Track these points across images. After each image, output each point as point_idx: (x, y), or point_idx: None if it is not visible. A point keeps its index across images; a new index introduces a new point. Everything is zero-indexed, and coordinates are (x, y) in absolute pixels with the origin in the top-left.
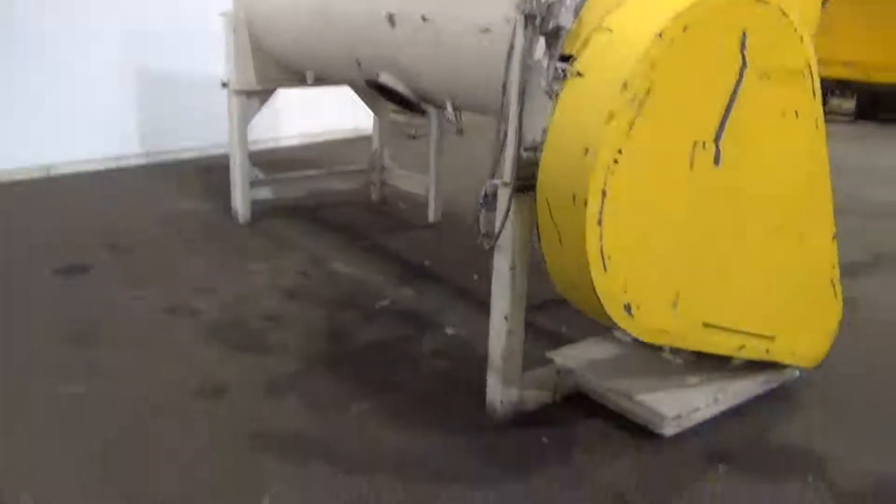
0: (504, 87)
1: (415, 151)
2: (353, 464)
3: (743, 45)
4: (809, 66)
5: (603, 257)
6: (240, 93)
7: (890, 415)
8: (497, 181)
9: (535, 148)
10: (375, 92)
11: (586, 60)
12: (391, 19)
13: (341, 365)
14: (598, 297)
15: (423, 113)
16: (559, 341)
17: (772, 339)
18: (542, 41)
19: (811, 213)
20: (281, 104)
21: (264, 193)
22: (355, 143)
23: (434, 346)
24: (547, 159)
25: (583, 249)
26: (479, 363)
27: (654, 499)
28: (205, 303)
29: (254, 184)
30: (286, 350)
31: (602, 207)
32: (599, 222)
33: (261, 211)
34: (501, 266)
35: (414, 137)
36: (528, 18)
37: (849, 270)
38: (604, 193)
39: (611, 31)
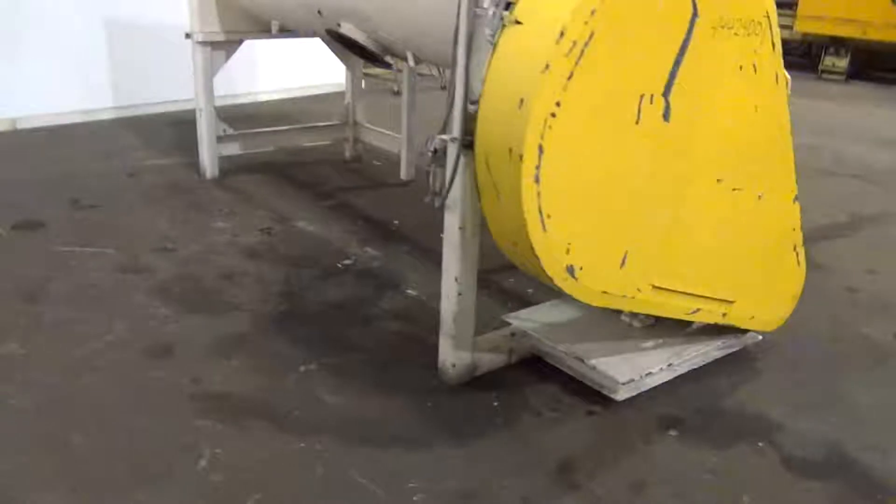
0: (455, 37)
1: (398, 107)
2: (293, 425)
3: None
4: (768, 17)
5: (542, 216)
6: (204, 44)
7: (851, 381)
8: (446, 136)
9: None
10: (338, 43)
11: (524, 7)
12: None
13: (293, 325)
14: (538, 259)
15: (387, 66)
16: (526, 303)
17: (729, 303)
18: None
19: (770, 173)
20: (262, 57)
21: (232, 149)
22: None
23: (392, 306)
24: (484, 111)
25: (520, 207)
26: (436, 325)
27: (600, 465)
28: (162, 260)
29: (221, 139)
30: (239, 309)
31: (539, 163)
32: (537, 179)
33: (230, 167)
34: (451, 226)
35: (398, 93)
36: None
37: (825, 233)
38: (541, 148)
39: None
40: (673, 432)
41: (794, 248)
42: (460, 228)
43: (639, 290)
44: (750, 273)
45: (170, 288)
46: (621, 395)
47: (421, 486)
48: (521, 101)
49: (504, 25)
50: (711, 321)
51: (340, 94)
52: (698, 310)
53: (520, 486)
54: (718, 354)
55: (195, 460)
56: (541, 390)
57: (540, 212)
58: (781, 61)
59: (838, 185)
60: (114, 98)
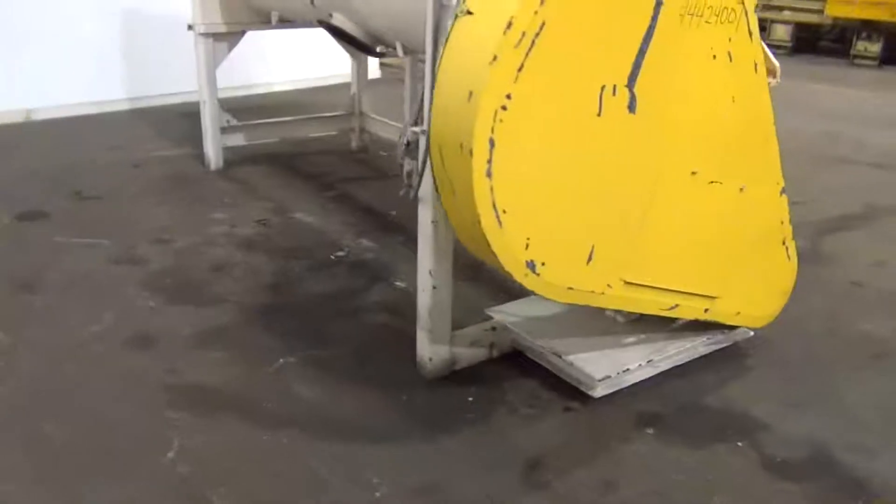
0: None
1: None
2: (266, 418)
3: None
4: (743, 4)
5: (496, 212)
6: (206, 35)
7: (844, 379)
8: (417, 129)
9: None
10: (331, 34)
11: None
12: None
13: (279, 317)
14: (495, 255)
15: (380, 56)
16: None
17: (712, 298)
18: None
19: (752, 165)
20: (277, 48)
21: (237, 140)
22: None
23: (381, 299)
24: (437, 104)
25: (473, 203)
26: None
27: (571, 463)
28: (156, 251)
29: (225, 130)
30: (226, 301)
31: (490, 157)
32: (489, 174)
33: (235, 157)
34: (424, 219)
35: None
36: None
37: (835, 224)
38: (491, 142)
39: None
40: (650, 430)
41: (784, 243)
42: (433, 222)
43: (609, 286)
44: (734, 268)
45: (160, 279)
46: (599, 391)
47: (385, 480)
48: (471, 93)
49: (457, 16)
50: (692, 317)
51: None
52: (677, 306)
53: (485, 483)
54: (706, 351)
55: (163, 452)
56: (519, 386)
57: (494, 207)
58: (761, 50)
59: (856, 173)
60: (127, 89)
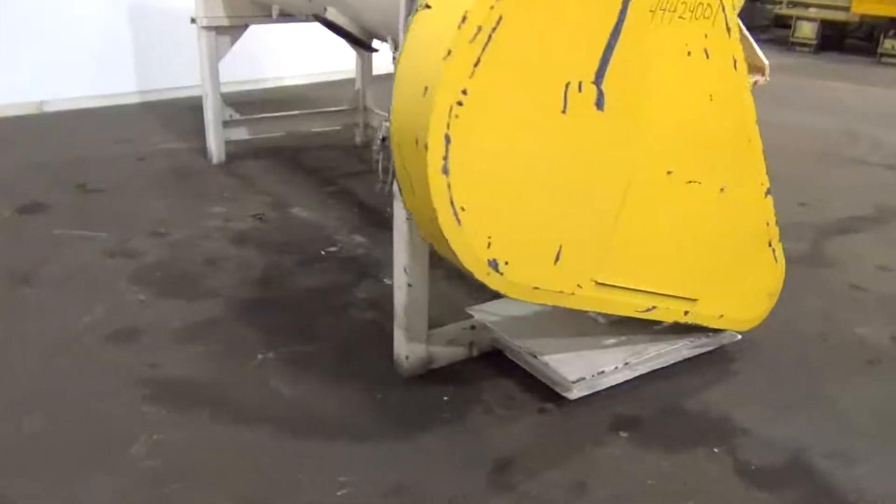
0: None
1: None
2: (239, 413)
3: None
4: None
5: (455, 209)
6: (209, 29)
7: (832, 384)
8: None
9: None
10: (327, 28)
11: None
12: None
13: (265, 312)
14: (455, 253)
15: (373, 50)
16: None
17: (692, 301)
18: None
19: (733, 165)
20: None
21: (239, 134)
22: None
23: (368, 295)
24: (396, 98)
25: (429, 200)
26: None
27: (541, 465)
28: (151, 245)
29: (227, 124)
30: (214, 296)
31: (447, 154)
32: (445, 170)
33: (238, 151)
34: (398, 215)
35: None
36: None
37: (842, 226)
38: (447, 138)
39: None
40: (625, 433)
41: (770, 244)
42: (407, 219)
43: (579, 286)
44: (715, 270)
45: (152, 272)
46: (574, 393)
47: (350, 479)
48: (426, 88)
49: (417, 9)
50: (672, 320)
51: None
52: (654, 308)
53: (452, 484)
54: (690, 354)
55: (132, 445)
56: (496, 386)
57: (452, 204)
58: (740, 47)
59: (869, 174)
60: (138, 83)
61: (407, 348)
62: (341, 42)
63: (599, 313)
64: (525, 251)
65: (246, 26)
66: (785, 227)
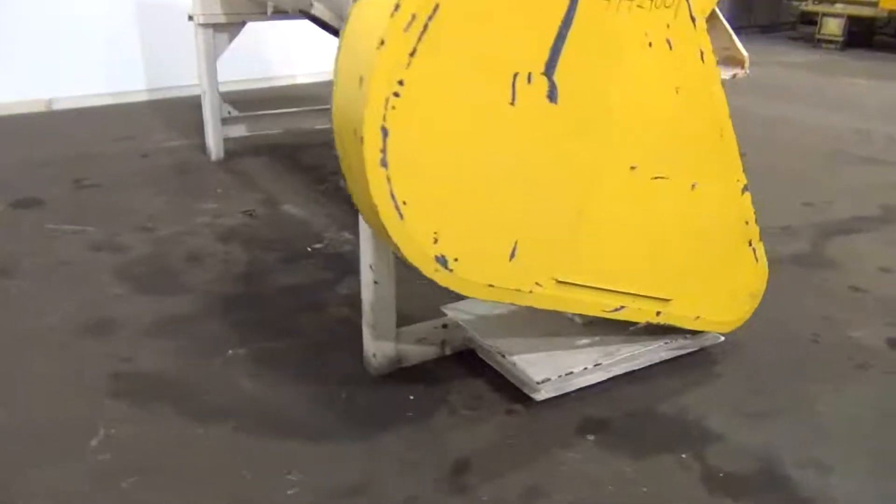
0: None
1: None
2: (200, 409)
3: None
4: None
5: (396, 204)
6: (206, 26)
7: (817, 389)
8: None
9: None
10: (315, 24)
11: None
12: None
13: (241, 308)
14: (399, 249)
15: None
16: None
17: (664, 301)
18: None
19: (705, 161)
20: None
21: (238, 131)
22: None
23: (349, 292)
24: (335, 88)
25: (369, 193)
26: None
27: (500, 467)
28: (137, 240)
29: (226, 121)
30: (192, 291)
31: (384, 146)
32: (383, 163)
33: (237, 148)
34: None
35: None
36: None
37: (847, 226)
38: (384, 130)
39: None
40: (592, 437)
41: (750, 244)
42: None
43: (537, 284)
44: (689, 269)
45: (134, 267)
46: (542, 394)
47: (301, 479)
48: (361, 79)
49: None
50: (642, 320)
51: None
52: (623, 307)
53: (406, 485)
54: (669, 356)
55: (89, 439)
56: (466, 386)
57: (393, 198)
58: (707, 38)
59: (880, 174)
60: (146, 80)
61: (374, 346)
62: None
63: (576, 313)
64: (476, 247)
65: (243, 23)
66: (785, 226)
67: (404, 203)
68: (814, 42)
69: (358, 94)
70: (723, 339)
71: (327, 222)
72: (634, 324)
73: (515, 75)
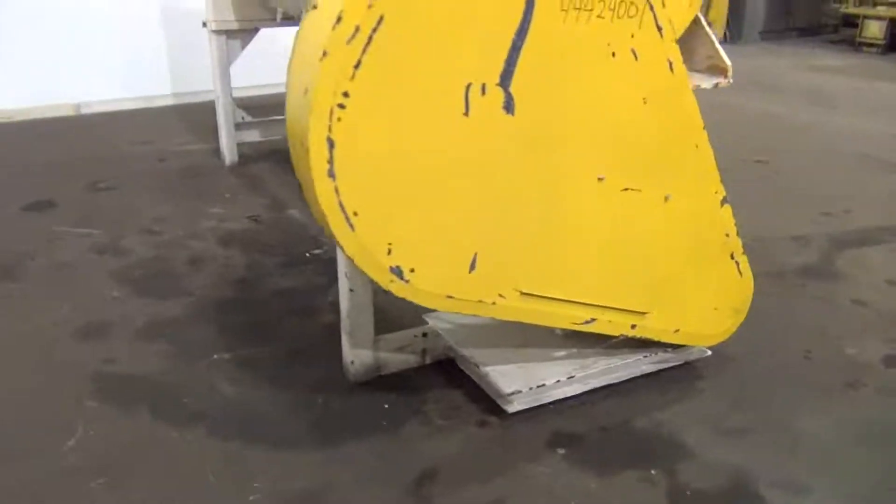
0: None
1: None
2: (176, 413)
3: None
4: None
5: (346, 214)
6: (219, 33)
7: (802, 407)
8: None
9: None
10: None
11: None
12: None
13: (231, 313)
14: (352, 259)
15: None
16: None
17: (640, 314)
18: None
19: (678, 173)
20: None
21: (252, 136)
22: None
23: (336, 298)
24: (287, 99)
25: (318, 204)
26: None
27: (464, 479)
28: (141, 243)
29: (239, 126)
30: (188, 295)
31: (331, 157)
32: (331, 174)
33: (252, 153)
34: None
35: None
36: None
37: (857, 238)
38: (330, 142)
39: None
40: (562, 451)
41: (732, 257)
42: None
43: (501, 295)
44: (666, 283)
45: (134, 270)
46: (515, 406)
47: (265, 486)
48: (306, 90)
49: (307, 10)
50: (616, 333)
51: None
52: (593, 320)
53: (368, 495)
54: (651, 369)
55: (64, 440)
56: (443, 395)
57: (342, 209)
58: (676, 48)
59: None
60: (172, 85)
61: (353, 354)
62: None
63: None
64: (433, 258)
65: (256, 30)
66: (798, 236)
67: (355, 214)
68: (854, 46)
69: (304, 104)
70: (709, 353)
71: None
72: (612, 337)
73: (468, 86)
